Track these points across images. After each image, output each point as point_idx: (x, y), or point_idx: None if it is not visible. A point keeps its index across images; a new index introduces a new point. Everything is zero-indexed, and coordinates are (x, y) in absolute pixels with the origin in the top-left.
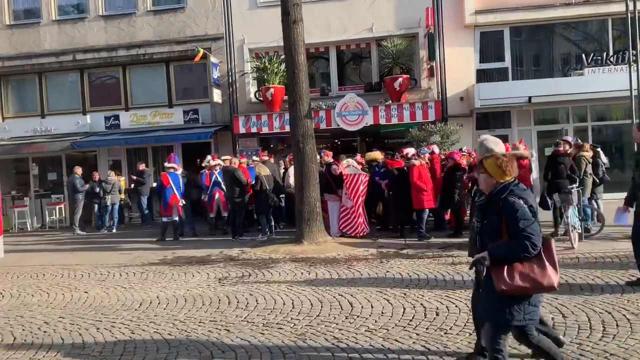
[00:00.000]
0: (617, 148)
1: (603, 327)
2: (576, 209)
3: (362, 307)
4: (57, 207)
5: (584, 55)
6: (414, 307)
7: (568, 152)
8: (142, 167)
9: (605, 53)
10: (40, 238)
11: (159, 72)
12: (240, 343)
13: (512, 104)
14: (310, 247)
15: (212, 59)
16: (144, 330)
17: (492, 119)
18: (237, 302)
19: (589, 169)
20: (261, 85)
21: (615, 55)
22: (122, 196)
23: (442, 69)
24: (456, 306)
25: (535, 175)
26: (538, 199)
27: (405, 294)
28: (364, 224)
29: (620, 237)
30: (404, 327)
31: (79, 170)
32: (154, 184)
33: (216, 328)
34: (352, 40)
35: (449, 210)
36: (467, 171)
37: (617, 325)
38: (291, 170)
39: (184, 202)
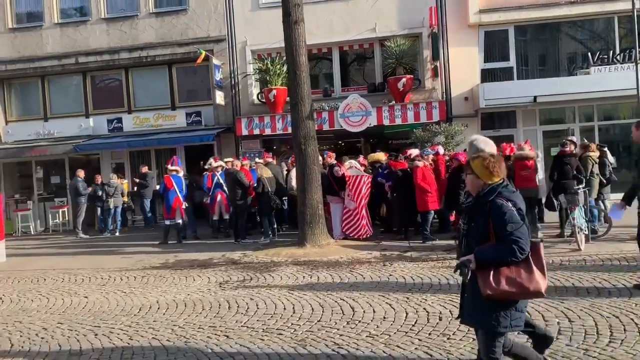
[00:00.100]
0: (624, 147)
1: (610, 332)
2: (583, 210)
3: (363, 311)
4: (60, 210)
5: (590, 54)
6: (416, 311)
7: (574, 152)
8: (144, 169)
9: (611, 51)
10: (42, 242)
11: (162, 75)
12: (239, 349)
13: (517, 103)
14: (312, 250)
15: (215, 61)
16: (142, 337)
17: (497, 119)
18: (238, 306)
19: (596, 169)
20: (264, 87)
21: (621, 54)
22: (125, 199)
23: (446, 69)
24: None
25: (541, 175)
26: (544, 200)
27: (408, 298)
28: (367, 226)
29: (628, 239)
30: (406, 333)
31: (81, 173)
32: (157, 187)
33: (215, 334)
34: (354, 41)
35: (454, 212)
36: None
37: (624, 330)
38: (293, 172)
39: (187, 205)
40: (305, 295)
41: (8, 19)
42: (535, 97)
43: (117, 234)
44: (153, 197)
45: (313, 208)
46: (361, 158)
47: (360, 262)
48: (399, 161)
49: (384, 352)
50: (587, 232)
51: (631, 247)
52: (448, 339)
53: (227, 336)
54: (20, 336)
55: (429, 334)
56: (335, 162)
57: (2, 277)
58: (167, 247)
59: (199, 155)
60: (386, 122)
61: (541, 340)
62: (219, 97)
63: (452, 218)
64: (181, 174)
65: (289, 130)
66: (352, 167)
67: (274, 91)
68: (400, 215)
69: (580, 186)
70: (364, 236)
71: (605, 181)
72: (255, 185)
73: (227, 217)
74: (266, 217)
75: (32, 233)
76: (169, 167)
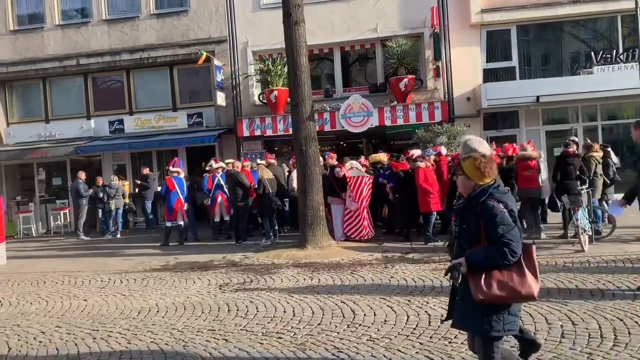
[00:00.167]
0: (628, 147)
1: (614, 335)
2: (586, 210)
3: (364, 314)
4: (62, 212)
5: (593, 54)
6: (417, 314)
7: (577, 152)
8: (146, 171)
9: (614, 51)
10: (44, 244)
11: (163, 76)
12: (237, 353)
13: (520, 103)
14: (313, 252)
15: (216, 62)
16: (140, 340)
17: (500, 119)
18: (237, 309)
19: (599, 170)
20: (265, 88)
21: (625, 53)
22: (127, 201)
23: (448, 69)
24: None
25: (544, 176)
26: (547, 201)
27: (409, 301)
28: (368, 227)
29: (632, 240)
30: (407, 336)
31: (82, 175)
32: (159, 188)
33: (214, 337)
34: (356, 41)
35: None
36: None
37: (629, 333)
38: (295, 173)
39: (188, 206)
40: (306, 298)
41: (9, 21)
42: (538, 97)
43: (118, 235)
44: (154, 198)
45: (314, 209)
46: (362, 159)
47: (361, 264)
48: (400, 162)
49: (384, 356)
50: (590, 233)
51: (635, 248)
52: (449, 342)
53: (226, 340)
54: (18, 340)
55: (430, 337)
56: (336, 163)
57: (2, 279)
58: (167, 249)
59: (201, 156)
60: (388, 123)
61: (528, 347)
62: (220, 98)
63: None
64: (182, 175)
65: (291, 132)
66: (353, 168)
67: (275, 92)
68: (402, 217)
69: (584, 187)
70: (366, 237)
71: (609, 181)
72: (256, 186)
73: (227, 218)
74: (267, 219)
75: (34, 235)
76: (171, 168)
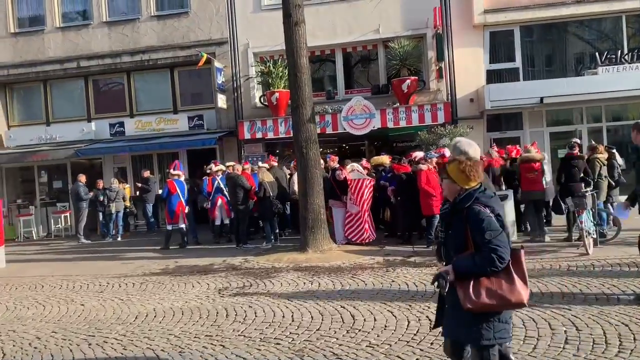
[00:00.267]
0: (633, 149)
1: (620, 341)
2: (590, 213)
3: (364, 320)
4: (63, 215)
5: (597, 54)
6: (418, 319)
7: (581, 154)
8: (146, 174)
9: (619, 51)
10: (44, 247)
11: (164, 78)
12: None
13: (523, 105)
14: (314, 256)
15: (217, 64)
16: (136, 346)
17: (504, 121)
18: (236, 314)
19: (604, 172)
20: (266, 90)
21: (630, 54)
22: (127, 204)
23: (451, 70)
24: None
25: (548, 178)
26: (551, 203)
27: (410, 306)
28: (369, 231)
29: (638, 243)
30: (408, 342)
31: (82, 178)
32: (159, 191)
33: (211, 343)
34: (358, 42)
35: None
36: None
37: (634, 339)
38: (296, 176)
39: (189, 209)
40: (305, 303)
41: (10, 24)
42: (541, 98)
43: (119, 239)
44: (155, 201)
45: (315, 213)
46: (364, 161)
47: (362, 268)
48: (402, 164)
49: None
50: (595, 236)
51: None
52: None
53: (223, 346)
54: (13, 346)
55: (431, 343)
56: (337, 165)
57: (0, 283)
58: (168, 253)
59: (202, 159)
60: (390, 125)
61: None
62: (221, 101)
63: None
64: (182, 178)
65: (292, 134)
66: (354, 171)
67: (277, 94)
68: (404, 220)
69: (588, 189)
70: (367, 241)
71: (613, 183)
72: (257, 189)
73: (227, 221)
74: (268, 222)
75: (35, 238)
76: (171, 171)
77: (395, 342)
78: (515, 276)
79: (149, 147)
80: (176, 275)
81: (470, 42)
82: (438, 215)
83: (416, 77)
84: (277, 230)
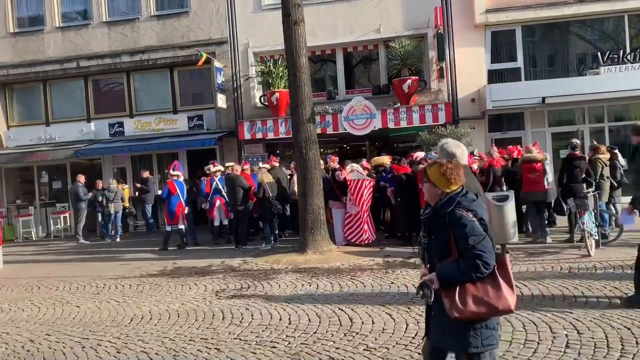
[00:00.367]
0: (634, 150)
1: (622, 345)
2: (592, 214)
3: (362, 322)
4: (62, 216)
5: (599, 54)
6: (417, 322)
7: (583, 154)
8: (146, 174)
9: (621, 51)
10: (43, 248)
11: (163, 78)
12: None
13: (525, 105)
14: (314, 257)
15: (216, 64)
16: (130, 349)
17: (505, 121)
18: (232, 317)
19: (606, 172)
20: (266, 90)
21: (632, 53)
22: (126, 204)
23: (452, 70)
24: None
25: (550, 178)
26: (553, 204)
27: (409, 308)
28: (368, 232)
29: None
30: (406, 346)
31: (81, 178)
32: (159, 192)
33: (206, 347)
34: (359, 42)
35: None
36: (478, 176)
37: (637, 342)
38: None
39: (188, 210)
40: (303, 305)
41: (9, 23)
42: (543, 98)
43: (118, 239)
44: (155, 202)
45: (314, 213)
46: (364, 161)
47: (361, 269)
48: (402, 165)
49: None
50: (597, 237)
51: None
52: None
53: (218, 349)
54: (6, 349)
55: None
56: (338, 166)
57: None
58: (166, 254)
59: (202, 159)
60: (391, 125)
61: None
62: (221, 101)
63: None
64: (181, 179)
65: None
66: (353, 171)
67: (277, 94)
68: (404, 220)
69: (590, 190)
70: (366, 242)
71: (616, 184)
72: (256, 191)
73: (226, 222)
74: (267, 223)
75: (34, 239)
76: (171, 172)
77: (393, 346)
78: (501, 281)
79: (148, 148)
80: (174, 277)
81: (471, 42)
82: None
83: (417, 77)
84: (277, 232)
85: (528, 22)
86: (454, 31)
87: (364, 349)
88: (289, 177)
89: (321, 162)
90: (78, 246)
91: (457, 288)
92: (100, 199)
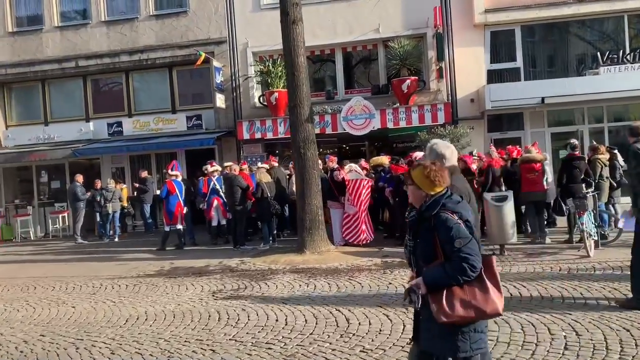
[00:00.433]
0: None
1: (621, 346)
2: (592, 214)
3: (359, 323)
4: (60, 215)
5: (599, 54)
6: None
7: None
8: (144, 174)
9: (621, 51)
10: (41, 248)
11: (162, 78)
12: None
13: (524, 105)
14: (312, 257)
15: (215, 63)
16: (124, 351)
17: (504, 121)
18: (228, 318)
19: (606, 172)
20: (265, 90)
21: (632, 54)
22: (125, 204)
23: (452, 70)
24: None
25: (550, 178)
26: (552, 204)
27: (406, 309)
28: (366, 232)
29: None
30: (402, 347)
31: (80, 178)
32: (157, 192)
33: (201, 348)
34: (358, 42)
35: None
36: (477, 176)
37: (636, 344)
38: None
39: (186, 210)
40: (300, 306)
41: (8, 23)
42: (543, 99)
43: (116, 239)
44: (153, 202)
45: (312, 214)
46: (363, 162)
47: (359, 270)
48: (400, 165)
49: None
50: (596, 238)
51: None
52: None
53: (214, 350)
54: None
55: None
56: (336, 166)
57: None
58: (164, 254)
59: (201, 159)
60: (390, 125)
61: None
62: (220, 100)
63: None
64: (180, 178)
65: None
66: (352, 171)
67: (276, 94)
68: (402, 220)
69: (589, 190)
70: (364, 242)
71: (615, 184)
72: (255, 191)
73: (224, 222)
74: (266, 223)
75: (32, 238)
76: (169, 172)
77: (390, 347)
78: (488, 284)
79: (146, 147)
80: (171, 277)
81: (470, 42)
82: None
83: (416, 77)
84: (276, 232)
85: (527, 22)
86: (453, 31)
87: (360, 351)
88: (288, 177)
89: (320, 162)
90: (76, 246)
91: (445, 292)
92: (98, 198)
